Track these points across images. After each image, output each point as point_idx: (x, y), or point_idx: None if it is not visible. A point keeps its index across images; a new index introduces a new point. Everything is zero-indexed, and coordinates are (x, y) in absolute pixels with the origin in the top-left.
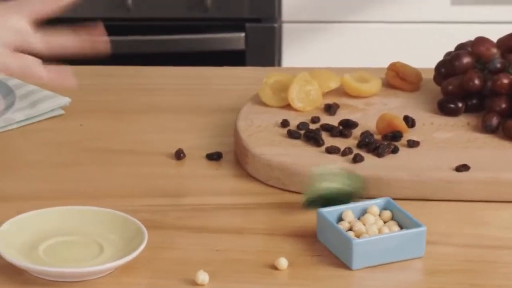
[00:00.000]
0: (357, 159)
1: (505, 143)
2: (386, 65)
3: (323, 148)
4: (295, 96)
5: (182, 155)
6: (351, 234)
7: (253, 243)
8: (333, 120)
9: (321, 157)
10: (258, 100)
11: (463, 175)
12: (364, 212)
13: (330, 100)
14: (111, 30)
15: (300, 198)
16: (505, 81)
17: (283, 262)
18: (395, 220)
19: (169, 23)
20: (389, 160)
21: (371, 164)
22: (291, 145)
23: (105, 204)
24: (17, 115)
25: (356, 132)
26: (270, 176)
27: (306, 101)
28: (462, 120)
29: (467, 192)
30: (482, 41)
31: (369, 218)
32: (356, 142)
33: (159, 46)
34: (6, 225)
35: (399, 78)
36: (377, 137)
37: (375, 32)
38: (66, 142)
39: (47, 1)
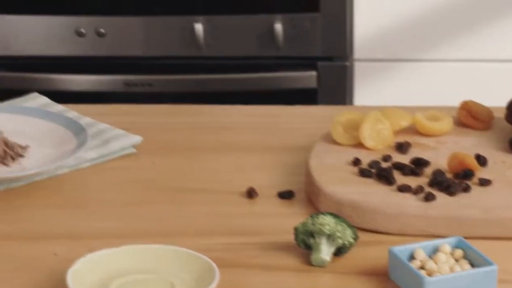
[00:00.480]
0: (429, 198)
1: None
2: (457, 103)
3: (394, 186)
4: (367, 134)
5: (254, 193)
6: (423, 272)
7: (325, 282)
8: (404, 159)
9: (393, 196)
10: (330, 139)
11: None
12: (435, 250)
13: (401, 139)
14: (182, 69)
15: (372, 236)
16: None
17: None
18: (466, 258)
19: (240, 62)
20: (460, 198)
21: (443, 203)
22: (363, 184)
23: (176, 242)
24: (89, 154)
25: (428, 170)
26: (341, 214)
27: (377, 139)
28: None
29: None
30: None
31: (441, 256)
32: (427, 180)
33: (231, 85)
34: (78, 264)
35: (471, 117)
36: (449, 175)
37: (446, 70)
38: (139, 180)
39: None
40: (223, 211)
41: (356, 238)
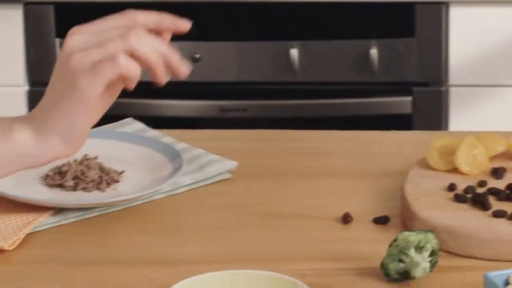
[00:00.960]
0: None
1: None
2: None
3: (490, 212)
4: (462, 160)
5: (349, 218)
6: None
7: None
8: (500, 184)
9: (488, 221)
10: (425, 164)
11: None
12: None
13: (497, 164)
14: (277, 94)
15: (467, 262)
16: None
17: None
18: None
19: (335, 87)
20: None
21: None
22: (458, 209)
23: (271, 267)
24: (185, 179)
25: None
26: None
27: (473, 165)
28: None
29: None
30: None
31: None
32: None
33: (326, 110)
34: None
35: None
36: None
37: None
38: (234, 205)
39: (160, 21)
40: (318, 236)
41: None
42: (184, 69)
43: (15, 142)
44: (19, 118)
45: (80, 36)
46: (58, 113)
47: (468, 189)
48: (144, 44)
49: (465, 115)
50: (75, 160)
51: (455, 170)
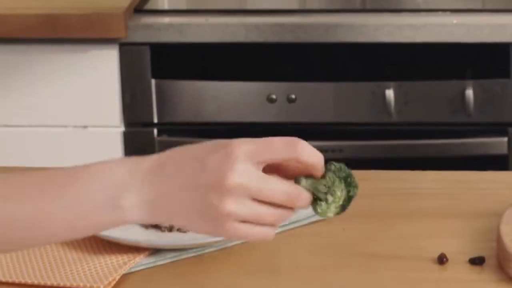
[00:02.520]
0: None
1: None
2: None
3: None
4: None
5: (445, 259)
6: None
7: None
8: None
9: None
10: None
11: None
12: None
13: None
14: (373, 134)
15: None
16: None
17: None
18: None
19: (431, 128)
20: None
21: None
22: None
23: None
24: None
25: None
26: None
27: None
28: None
29: None
30: None
31: None
32: None
33: (421, 151)
34: None
35: None
36: None
37: None
38: (329, 246)
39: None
40: (413, 277)
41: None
42: None
43: (123, 220)
44: (130, 186)
45: (240, 196)
46: (184, 218)
47: None
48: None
49: None
50: None
51: None
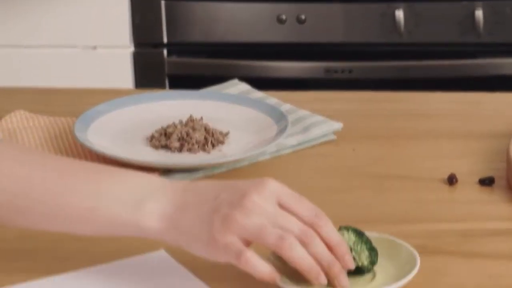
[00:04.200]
0: None
1: None
2: None
3: None
4: None
5: (454, 180)
6: None
7: None
8: None
9: None
10: None
11: None
12: None
13: None
14: (383, 55)
15: None
16: None
17: None
18: None
19: (441, 48)
20: None
21: None
22: None
23: (377, 229)
24: (290, 140)
25: None
26: None
27: None
28: None
29: None
30: None
31: None
32: None
33: (431, 71)
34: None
35: None
36: None
37: None
38: (339, 167)
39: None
40: (423, 197)
41: (373, 262)
42: (344, 283)
43: (139, 224)
44: (157, 193)
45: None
46: (194, 234)
47: None
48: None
49: None
50: (180, 122)
51: None
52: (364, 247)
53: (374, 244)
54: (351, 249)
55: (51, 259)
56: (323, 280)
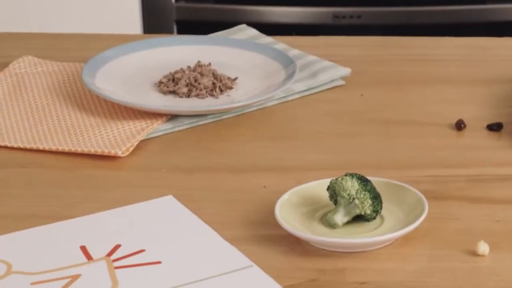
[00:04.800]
0: None
1: None
2: None
3: None
4: None
5: (462, 125)
6: None
7: None
8: None
9: None
10: None
11: None
12: None
13: None
14: (392, 1)
15: None
16: None
17: None
18: None
19: None
20: None
21: None
22: None
23: (385, 174)
24: (298, 86)
25: None
26: None
27: None
28: None
29: None
30: None
31: None
32: None
33: (439, 17)
34: (286, 195)
35: None
36: None
37: None
38: (347, 112)
39: None
40: (431, 143)
41: (376, 211)
42: None
43: None
44: None
45: None
46: None
47: None
48: None
49: None
50: (188, 67)
51: None
52: (367, 195)
53: (382, 190)
54: (354, 197)
55: (58, 206)
56: None
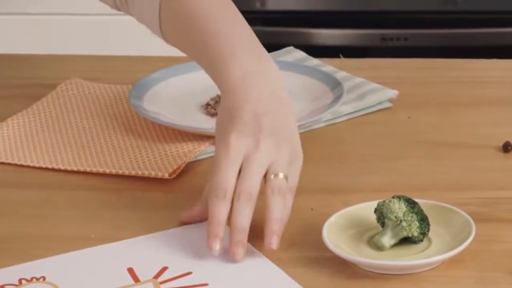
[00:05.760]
0: None
1: None
2: None
3: None
4: None
5: (509, 147)
6: None
7: None
8: None
9: None
10: None
11: None
12: None
13: None
14: (439, 23)
15: None
16: None
17: None
18: None
19: (496, 16)
20: None
21: None
22: None
23: (433, 196)
24: (345, 108)
25: None
26: None
27: None
28: None
29: None
30: None
31: None
32: None
33: (486, 39)
34: (334, 217)
35: None
36: None
37: None
38: (394, 134)
39: None
40: (478, 165)
41: (424, 233)
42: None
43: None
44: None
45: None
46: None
47: None
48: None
49: None
50: None
51: None
52: (415, 217)
53: (429, 212)
54: (401, 220)
55: (106, 228)
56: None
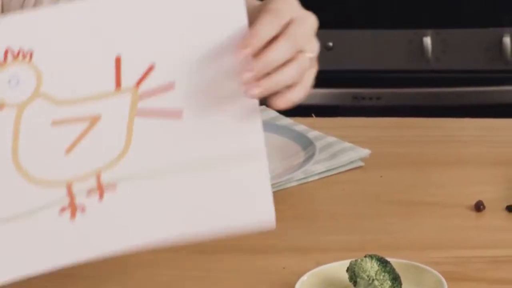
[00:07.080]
0: None
1: None
2: None
3: None
4: None
5: (482, 207)
6: None
7: None
8: None
9: None
10: None
11: None
12: None
13: None
14: (411, 82)
15: None
16: None
17: None
18: None
19: (468, 75)
20: None
21: None
22: None
23: (405, 256)
24: (317, 167)
25: None
26: None
27: None
28: None
29: None
30: None
31: None
32: None
33: (459, 98)
34: (306, 276)
35: None
36: None
37: None
38: (366, 194)
39: None
40: (451, 224)
41: None
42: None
43: None
44: None
45: None
46: None
47: None
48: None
49: None
50: None
51: None
52: (387, 276)
53: (401, 271)
54: (374, 279)
55: None
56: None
